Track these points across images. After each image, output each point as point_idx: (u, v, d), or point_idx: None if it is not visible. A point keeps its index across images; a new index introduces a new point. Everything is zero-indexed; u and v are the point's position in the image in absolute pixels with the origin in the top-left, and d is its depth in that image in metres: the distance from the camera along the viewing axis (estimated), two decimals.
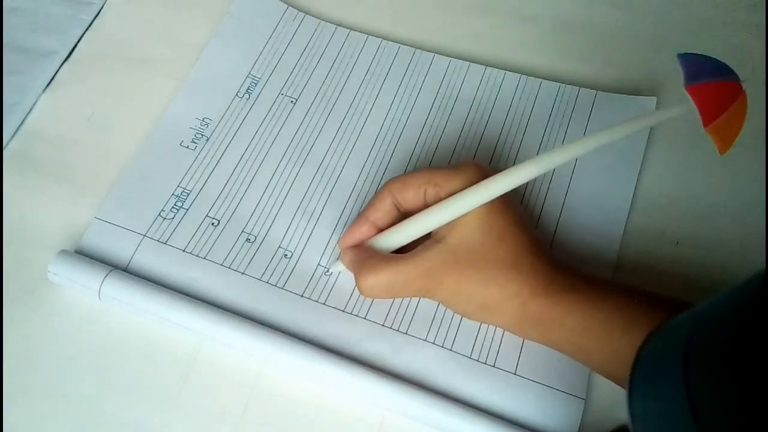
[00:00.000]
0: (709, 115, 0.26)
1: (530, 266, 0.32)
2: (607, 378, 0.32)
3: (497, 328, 0.35)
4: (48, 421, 0.33)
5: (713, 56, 0.28)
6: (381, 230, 0.35)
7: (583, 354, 0.32)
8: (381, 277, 0.32)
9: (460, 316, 0.35)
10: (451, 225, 0.32)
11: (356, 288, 0.33)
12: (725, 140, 0.27)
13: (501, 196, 0.32)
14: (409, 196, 0.34)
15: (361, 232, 0.35)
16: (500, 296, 0.32)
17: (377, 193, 0.35)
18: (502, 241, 0.32)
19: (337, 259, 0.36)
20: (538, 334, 0.33)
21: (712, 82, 0.27)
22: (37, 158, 0.40)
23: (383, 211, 0.34)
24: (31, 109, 0.42)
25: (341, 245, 0.36)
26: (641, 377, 0.23)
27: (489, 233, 0.32)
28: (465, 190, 0.32)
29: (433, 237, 0.33)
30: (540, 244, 0.34)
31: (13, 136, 0.41)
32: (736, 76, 0.27)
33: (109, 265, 0.36)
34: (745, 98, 0.27)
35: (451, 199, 0.32)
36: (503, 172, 0.31)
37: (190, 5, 0.46)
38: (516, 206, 0.34)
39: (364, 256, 0.34)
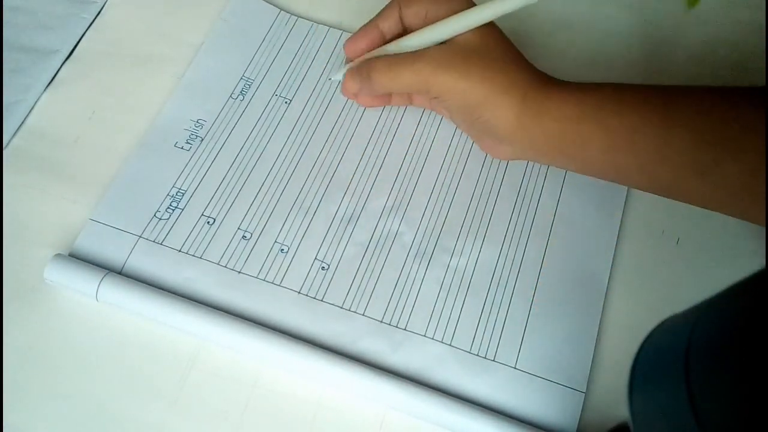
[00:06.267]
0: None
1: (527, 64, 0.35)
2: (607, 177, 0.34)
3: (497, 321, 0.35)
4: (48, 421, 0.33)
5: None
6: (386, 41, 0.38)
7: (580, 142, 0.33)
8: (395, 67, 0.35)
9: (457, 300, 0.36)
10: (456, 34, 0.35)
11: (365, 81, 0.37)
12: None
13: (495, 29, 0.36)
14: (412, 11, 0.36)
15: (370, 38, 0.38)
16: (501, 86, 0.34)
17: (388, 4, 0.37)
18: (501, 44, 0.35)
19: (343, 65, 0.38)
20: (536, 127, 0.34)
21: None
22: (39, 157, 0.40)
23: (393, 19, 0.37)
24: (32, 108, 0.42)
25: (348, 49, 0.38)
26: (641, 376, 0.23)
27: (489, 38, 0.35)
28: (467, 10, 0.35)
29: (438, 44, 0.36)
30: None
31: (14, 135, 0.41)
32: None
33: (104, 268, 0.36)
34: None
35: (458, 15, 0.35)
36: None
37: (191, 4, 0.46)
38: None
39: (377, 57, 0.37)
